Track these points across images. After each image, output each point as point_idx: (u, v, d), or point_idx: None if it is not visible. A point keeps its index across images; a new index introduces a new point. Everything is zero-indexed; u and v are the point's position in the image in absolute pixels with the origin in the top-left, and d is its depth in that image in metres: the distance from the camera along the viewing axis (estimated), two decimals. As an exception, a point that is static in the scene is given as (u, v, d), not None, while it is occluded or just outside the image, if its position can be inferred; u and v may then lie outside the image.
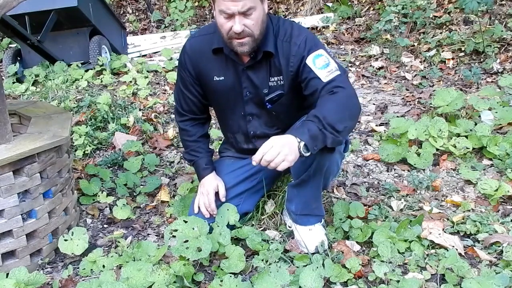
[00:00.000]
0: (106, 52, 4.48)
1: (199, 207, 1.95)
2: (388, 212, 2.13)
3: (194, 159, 2.03)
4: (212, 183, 1.96)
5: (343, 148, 1.85)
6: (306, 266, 1.72)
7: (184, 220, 1.82)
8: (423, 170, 2.55)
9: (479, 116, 2.93)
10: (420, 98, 3.54)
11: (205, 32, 1.86)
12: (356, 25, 5.32)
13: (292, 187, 1.90)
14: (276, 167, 1.50)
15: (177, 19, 5.92)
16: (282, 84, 1.80)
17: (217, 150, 2.31)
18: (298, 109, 1.86)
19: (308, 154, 1.53)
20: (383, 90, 3.87)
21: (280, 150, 1.48)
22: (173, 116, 3.40)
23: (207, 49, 1.81)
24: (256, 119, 1.93)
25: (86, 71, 4.16)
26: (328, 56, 1.71)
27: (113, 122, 3.23)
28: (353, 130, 3.13)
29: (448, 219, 2.07)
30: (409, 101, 3.55)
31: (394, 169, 2.60)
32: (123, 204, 2.26)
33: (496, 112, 2.89)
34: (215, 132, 3.01)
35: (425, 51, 4.39)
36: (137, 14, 6.54)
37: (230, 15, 1.61)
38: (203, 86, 1.91)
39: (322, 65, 1.68)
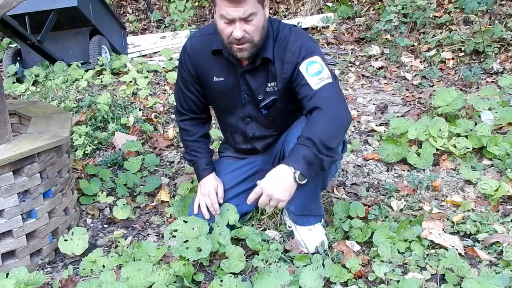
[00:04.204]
0: (106, 52, 4.48)
1: (199, 208, 1.95)
2: (388, 212, 2.13)
3: (194, 159, 2.03)
4: (212, 183, 1.96)
5: (341, 148, 1.85)
6: (306, 266, 1.72)
7: (184, 220, 1.82)
8: (423, 170, 2.54)
9: (479, 116, 2.93)
10: (420, 98, 3.54)
11: (205, 32, 1.85)
12: (356, 25, 5.32)
13: (292, 187, 1.89)
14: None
15: (177, 19, 5.92)
16: (277, 90, 1.80)
17: (217, 150, 2.31)
18: (294, 112, 1.86)
19: (305, 181, 1.55)
20: (383, 90, 3.87)
21: (272, 194, 1.52)
22: (173, 116, 3.40)
23: (207, 49, 1.81)
24: (254, 122, 1.93)
25: (86, 71, 4.17)
26: (323, 63, 1.69)
27: (113, 122, 3.23)
28: (353, 130, 3.14)
29: (448, 219, 2.07)
30: (409, 101, 3.55)
31: (394, 169, 2.60)
32: (123, 204, 2.26)
33: (496, 112, 2.89)
34: (215, 132, 3.00)
35: (425, 51, 4.39)
36: (137, 14, 6.54)
37: (230, 21, 1.59)
38: (203, 86, 1.91)
39: (314, 72, 1.67)
